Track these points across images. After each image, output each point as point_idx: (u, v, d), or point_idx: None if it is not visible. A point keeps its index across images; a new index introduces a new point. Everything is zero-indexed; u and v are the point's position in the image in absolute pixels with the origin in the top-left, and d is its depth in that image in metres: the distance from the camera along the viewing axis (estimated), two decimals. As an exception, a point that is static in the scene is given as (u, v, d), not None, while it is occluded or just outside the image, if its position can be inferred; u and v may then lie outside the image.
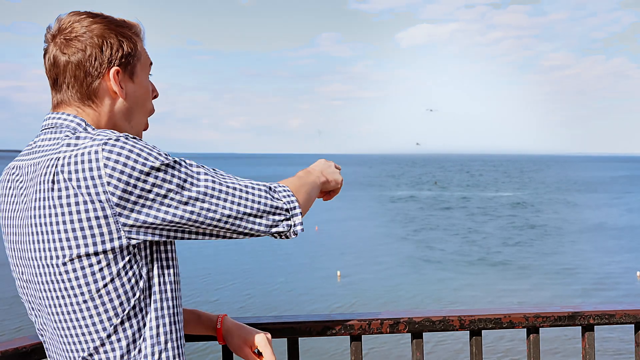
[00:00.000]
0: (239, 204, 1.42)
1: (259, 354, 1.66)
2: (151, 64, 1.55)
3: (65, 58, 1.40)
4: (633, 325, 2.09)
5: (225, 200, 1.40)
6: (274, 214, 1.48)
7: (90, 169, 1.27)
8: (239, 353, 1.69)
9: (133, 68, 1.48)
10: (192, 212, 1.35)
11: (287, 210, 1.50)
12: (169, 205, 1.32)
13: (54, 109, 1.45)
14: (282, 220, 1.49)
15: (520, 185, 79.40)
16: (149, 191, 1.30)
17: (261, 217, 1.46)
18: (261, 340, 1.66)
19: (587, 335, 2.06)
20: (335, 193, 1.81)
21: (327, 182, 1.74)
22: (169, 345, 1.39)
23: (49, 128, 1.41)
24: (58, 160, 1.31)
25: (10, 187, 1.43)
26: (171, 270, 1.41)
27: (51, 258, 1.31)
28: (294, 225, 1.51)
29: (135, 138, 1.34)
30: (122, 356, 1.34)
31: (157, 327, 1.37)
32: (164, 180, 1.31)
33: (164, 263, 1.40)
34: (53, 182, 1.29)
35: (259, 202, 1.45)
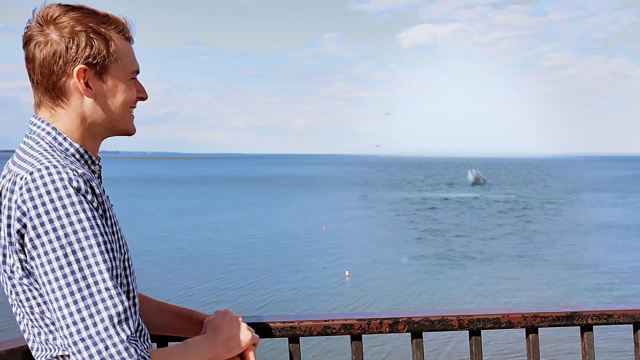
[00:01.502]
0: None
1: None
2: (136, 70, 1.51)
3: (37, 54, 1.39)
4: (632, 325, 2.10)
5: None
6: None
7: (13, 193, 1.31)
8: None
9: (104, 68, 1.43)
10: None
11: None
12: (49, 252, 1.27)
13: (35, 108, 1.46)
14: None
15: (522, 185, 79.30)
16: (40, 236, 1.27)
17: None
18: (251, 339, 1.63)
19: (586, 335, 2.07)
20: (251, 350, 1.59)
21: (222, 355, 1.50)
22: None
23: (30, 135, 1.43)
24: (9, 173, 1.35)
25: None
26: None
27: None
28: None
29: (64, 170, 1.30)
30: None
31: None
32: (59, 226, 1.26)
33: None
34: (0, 195, 1.34)
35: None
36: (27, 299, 1.34)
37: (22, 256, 1.29)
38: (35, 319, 1.35)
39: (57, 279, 1.23)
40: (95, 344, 1.21)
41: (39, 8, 1.41)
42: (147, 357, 1.26)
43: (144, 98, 1.54)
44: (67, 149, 1.41)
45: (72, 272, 1.23)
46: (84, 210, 1.27)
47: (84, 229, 1.25)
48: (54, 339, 1.35)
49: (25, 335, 1.41)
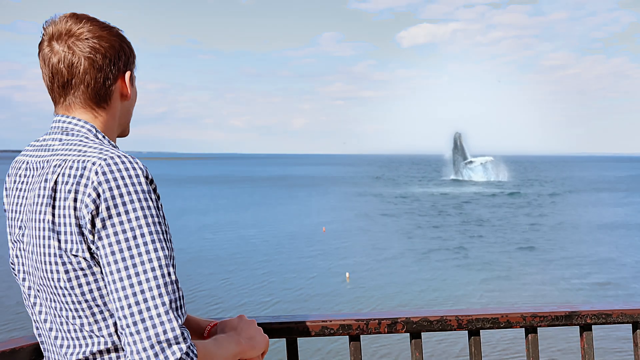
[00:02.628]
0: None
1: None
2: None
3: (84, 62, 1.44)
4: (631, 324, 2.10)
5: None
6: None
7: (82, 177, 1.33)
8: None
9: (133, 72, 1.57)
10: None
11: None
12: (132, 235, 1.31)
13: (65, 111, 1.48)
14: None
15: (524, 182, 79.37)
16: (125, 213, 1.31)
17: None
18: None
19: (585, 335, 2.07)
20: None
21: (246, 351, 1.58)
22: None
23: (62, 132, 1.46)
24: (65, 162, 1.37)
25: (16, 182, 1.48)
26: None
27: (47, 254, 1.36)
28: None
29: (135, 160, 1.37)
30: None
31: None
32: (138, 208, 1.33)
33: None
34: (56, 182, 1.35)
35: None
36: (80, 285, 1.35)
37: (91, 237, 1.32)
38: (83, 308, 1.36)
39: (124, 259, 1.29)
40: (154, 326, 1.27)
41: (57, 17, 1.47)
42: (193, 345, 1.32)
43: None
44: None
45: (140, 254, 1.29)
46: (153, 200, 1.36)
47: (152, 216, 1.33)
48: (100, 329, 1.37)
49: (55, 334, 1.42)
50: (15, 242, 1.47)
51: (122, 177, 1.32)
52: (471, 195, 58.97)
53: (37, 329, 1.49)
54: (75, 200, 1.32)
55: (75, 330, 1.38)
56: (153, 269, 1.30)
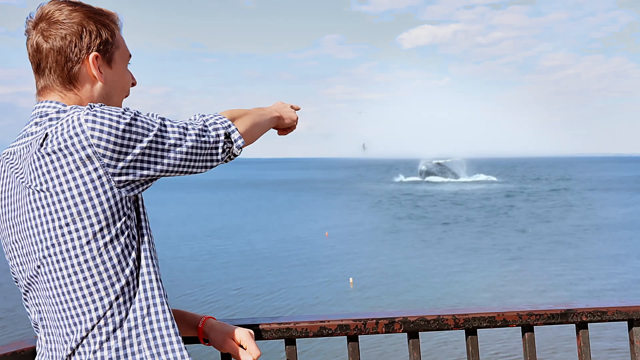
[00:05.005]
0: (192, 148, 1.50)
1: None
2: (130, 55, 1.63)
3: (48, 44, 1.48)
4: (626, 322, 2.11)
5: (180, 148, 1.47)
6: (216, 146, 1.56)
7: (75, 130, 1.35)
8: (223, 348, 1.73)
9: (111, 55, 1.56)
10: (172, 158, 1.46)
11: (225, 135, 1.59)
12: (155, 156, 1.43)
13: (39, 94, 1.53)
14: (223, 146, 1.58)
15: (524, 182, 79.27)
16: (134, 142, 1.39)
17: (208, 152, 1.55)
18: (244, 335, 1.71)
19: (581, 333, 2.08)
20: (291, 130, 1.94)
21: (281, 119, 1.87)
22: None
23: (37, 117, 1.48)
24: (46, 135, 1.38)
25: (4, 170, 1.51)
26: (149, 246, 1.48)
27: (51, 221, 1.37)
28: (235, 141, 1.60)
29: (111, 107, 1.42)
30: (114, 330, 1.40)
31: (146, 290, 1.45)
32: (143, 134, 1.40)
33: (145, 238, 1.47)
34: (46, 153, 1.36)
35: (205, 142, 1.53)
36: (114, 248, 1.39)
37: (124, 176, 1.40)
38: (112, 283, 1.38)
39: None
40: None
41: (44, 3, 1.52)
42: (219, 117, 1.63)
43: (134, 84, 1.67)
44: None
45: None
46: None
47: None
48: (128, 301, 1.41)
49: (75, 328, 1.40)
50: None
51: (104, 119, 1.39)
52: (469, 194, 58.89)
53: None
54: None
55: (105, 307, 1.42)
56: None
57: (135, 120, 1.40)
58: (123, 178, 1.38)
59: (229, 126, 1.60)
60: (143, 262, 1.44)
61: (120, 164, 1.37)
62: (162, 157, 1.44)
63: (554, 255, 26.68)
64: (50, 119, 1.43)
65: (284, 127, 1.92)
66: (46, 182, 1.36)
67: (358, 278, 22.52)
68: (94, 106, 1.39)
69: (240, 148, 1.62)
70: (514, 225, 37.63)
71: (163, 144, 1.44)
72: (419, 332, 2.00)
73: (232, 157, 1.63)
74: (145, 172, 1.42)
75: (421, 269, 24.12)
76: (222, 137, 1.57)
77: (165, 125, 1.46)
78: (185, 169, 1.50)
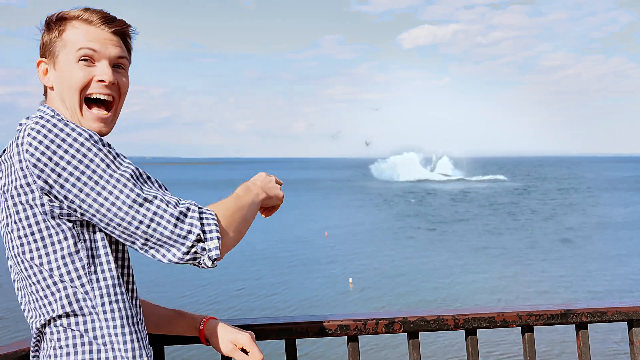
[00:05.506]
0: (138, 227, 1.36)
1: (245, 353, 1.68)
2: (84, 48, 1.49)
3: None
4: (626, 322, 2.11)
5: (124, 217, 1.35)
6: (177, 242, 1.37)
7: (21, 144, 1.37)
8: (224, 351, 1.72)
9: (55, 56, 1.51)
10: (95, 202, 1.35)
11: (196, 238, 1.37)
12: (73, 185, 1.34)
13: None
14: (188, 251, 1.37)
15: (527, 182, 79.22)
16: (63, 167, 1.34)
17: (160, 246, 1.37)
18: (246, 339, 1.69)
19: (581, 333, 2.08)
20: (276, 209, 1.73)
21: (268, 198, 1.65)
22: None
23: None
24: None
25: None
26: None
27: (10, 231, 1.43)
28: (208, 250, 1.38)
29: (64, 122, 1.39)
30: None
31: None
32: (77, 161, 1.35)
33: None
34: (2, 160, 1.46)
35: (161, 231, 1.36)
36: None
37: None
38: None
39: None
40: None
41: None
42: (208, 216, 1.41)
43: (103, 80, 1.51)
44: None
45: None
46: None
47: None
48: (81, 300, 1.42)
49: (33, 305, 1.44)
50: None
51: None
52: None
53: None
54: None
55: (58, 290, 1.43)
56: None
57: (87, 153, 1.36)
58: (57, 204, 1.39)
59: (210, 232, 1.39)
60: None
61: (55, 189, 1.36)
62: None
63: (554, 256, 26.66)
64: (20, 124, 1.47)
65: (268, 207, 1.70)
66: (5, 185, 1.42)
67: (358, 279, 22.50)
68: (42, 118, 1.41)
69: (213, 261, 1.39)
70: (520, 225, 37.58)
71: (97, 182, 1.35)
72: (419, 333, 2.00)
73: (200, 265, 1.40)
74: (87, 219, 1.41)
75: (421, 269, 24.10)
76: (192, 237, 1.37)
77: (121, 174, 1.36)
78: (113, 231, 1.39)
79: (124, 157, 1.42)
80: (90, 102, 1.52)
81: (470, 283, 21.43)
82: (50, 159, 1.34)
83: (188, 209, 1.39)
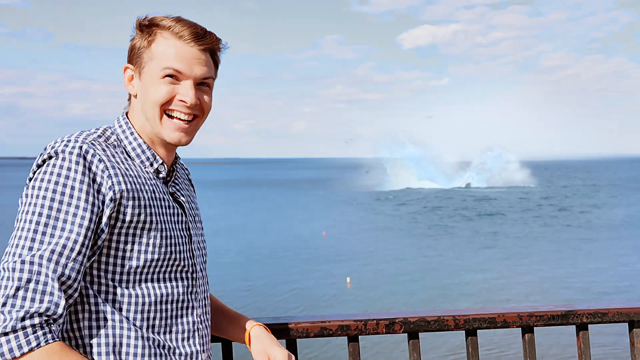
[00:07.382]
0: None
1: None
2: (170, 68, 1.46)
3: None
4: (627, 323, 2.10)
5: None
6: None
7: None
8: (257, 358, 1.67)
9: (141, 66, 1.49)
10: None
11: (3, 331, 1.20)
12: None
13: None
14: None
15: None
16: None
17: None
18: (282, 356, 1.62)
19: (581, 334, 2.07)
20: None
21: None
22: None
23: None
24: None
25: None
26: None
27: None
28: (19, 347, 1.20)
29: (95, 152, 1.37)
30: None
31: None
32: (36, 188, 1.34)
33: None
34: None
35: None
36: None
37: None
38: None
39: None
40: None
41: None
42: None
43: (184, 102, 1.48)
44: (119, 140, 1.50)
45: None
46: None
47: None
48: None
49: None
50: None
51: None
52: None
53: None
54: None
55: None
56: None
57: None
58: None
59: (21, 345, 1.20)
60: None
61: None
62: None
63: (556, 255, 26.65)
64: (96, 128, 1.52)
65: None
66: None
67: (356, 278, 22.50)
68: (68, 140, 1.38)
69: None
70: (520, 225, 37.57)
71: None
72: (419, 333, 2.00)
73: None
74: None
75: (422, 269, 24.10)
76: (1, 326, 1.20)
77: None
78: None
79: (89, 229, 1.32)
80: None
81: (470, 283, 21.43)
82: (30, 179, 1.36)
83: (27, 326, 1.21)
